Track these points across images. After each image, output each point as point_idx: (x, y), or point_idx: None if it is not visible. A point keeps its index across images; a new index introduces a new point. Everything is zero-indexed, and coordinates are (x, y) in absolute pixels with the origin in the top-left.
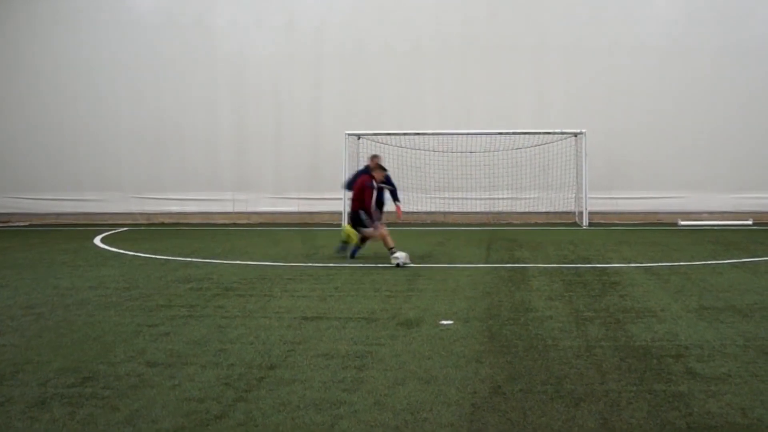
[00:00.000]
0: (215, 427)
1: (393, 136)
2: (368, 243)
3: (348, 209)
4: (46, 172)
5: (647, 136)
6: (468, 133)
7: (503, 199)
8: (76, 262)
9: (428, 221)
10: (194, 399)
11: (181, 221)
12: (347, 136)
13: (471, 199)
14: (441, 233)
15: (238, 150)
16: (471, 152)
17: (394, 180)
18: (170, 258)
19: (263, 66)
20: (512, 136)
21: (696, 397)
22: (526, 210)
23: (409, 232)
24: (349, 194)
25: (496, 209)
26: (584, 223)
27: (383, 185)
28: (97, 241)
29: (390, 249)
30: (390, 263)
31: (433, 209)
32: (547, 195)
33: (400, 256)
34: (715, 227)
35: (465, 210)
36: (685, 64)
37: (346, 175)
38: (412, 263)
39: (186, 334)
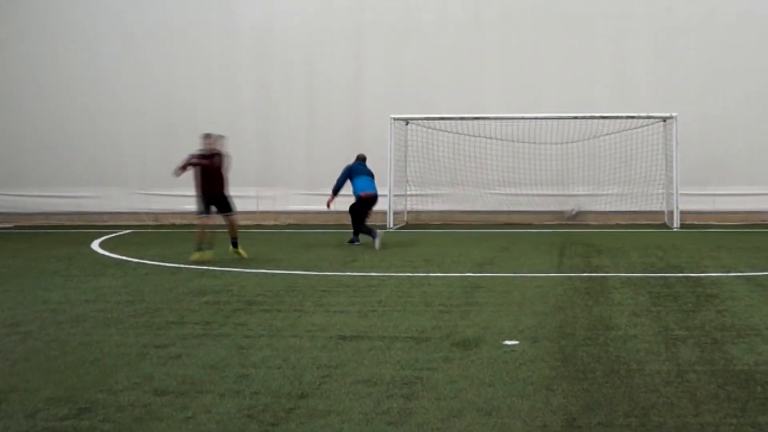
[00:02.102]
0: None
1: (448, 121)
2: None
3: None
4: (35, 163)
5: (750, 120)
6: (537, 118)
7: (578, 195)
8: (70, 271)
9: (489, 222)
10: None
11: (196, 222)
12: (393, 121)
13: (540, 195)
14: (504, 236)
15: (264, 138)
16: (540, 142)
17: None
18: (182, 266)
19: (293, 38)
20: (589, 122)
21: None
22: (606, 209)
23: (466, 235)
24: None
25: (570, 208)
26: (675, 225)
27: None
28: (95, 245)
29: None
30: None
31: (495, 208)
32: (630, 191)
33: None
34: None
35: (533, 209)
36: None
37: (391, 166)
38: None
39: (201, 357)
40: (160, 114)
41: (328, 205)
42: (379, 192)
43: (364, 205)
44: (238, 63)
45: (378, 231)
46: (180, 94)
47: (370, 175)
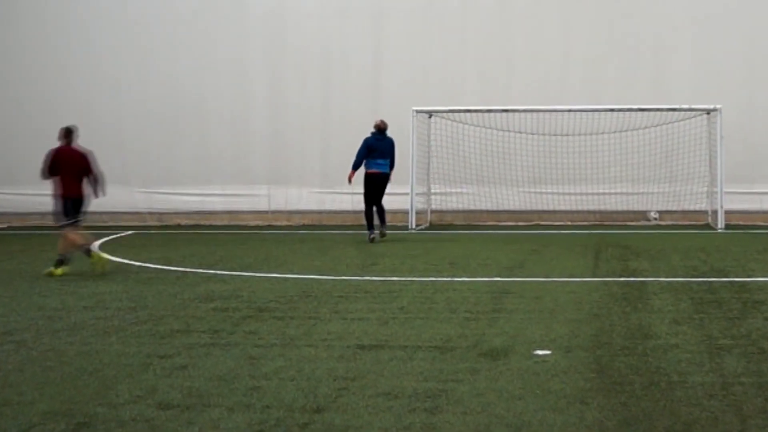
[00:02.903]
0: None
1: (474, 114)
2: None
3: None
4: (28, 160)
5: None
6: (570, 111)
7: (614, 194)
8: (67, 276)
9: (519, 222)
10: None
11: (202, 222)
12: (415, 114)
13: (573, 194)
14: (535, 238)
15: (276, 132)
16: (573, 135)
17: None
18: (188, 270)
19: (308, 24)
20: (626, 114)
21: None
22: (644, 208)
23: (494, 237)
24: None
25: (605, 207)
26: (719, 225)
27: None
28: (94, 248)
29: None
30: None
31: (524, 207)
32: (670, 189)
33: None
34: None
35: (566, 208)
36: None
37: (413, 162)
38: None
39: (208, 368)
40: (165, 107)
41: (350, 180)
42: (401, 191)
43: (370, 183)
44: (249, 52)
45: (376, 233)
46: (186, 86)
47: (386, 150)
